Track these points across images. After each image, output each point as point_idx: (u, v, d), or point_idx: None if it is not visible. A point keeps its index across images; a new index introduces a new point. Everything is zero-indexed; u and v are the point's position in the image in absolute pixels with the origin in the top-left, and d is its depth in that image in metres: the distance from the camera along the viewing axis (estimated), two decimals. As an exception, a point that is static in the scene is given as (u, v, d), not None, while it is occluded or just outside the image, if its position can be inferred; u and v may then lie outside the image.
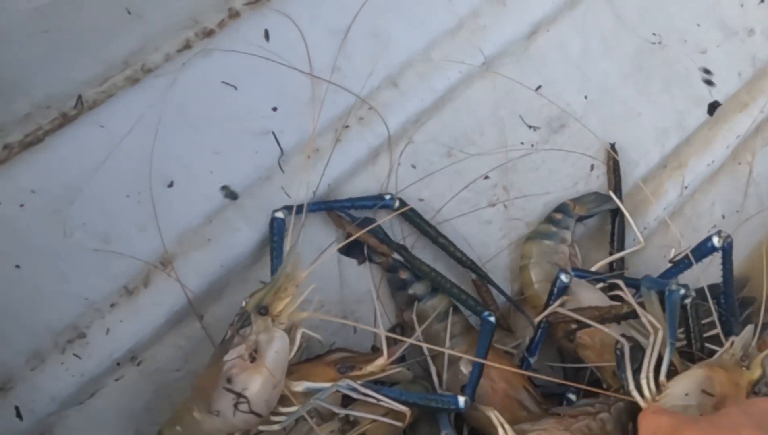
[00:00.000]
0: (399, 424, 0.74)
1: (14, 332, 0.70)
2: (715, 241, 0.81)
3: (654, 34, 1.04)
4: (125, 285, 0.74)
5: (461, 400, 0.72)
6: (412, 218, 0.85)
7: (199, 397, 0.69)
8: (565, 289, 0.84)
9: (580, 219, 0.95)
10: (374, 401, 0.73)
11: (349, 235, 0.80)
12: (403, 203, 0.84)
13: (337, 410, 0.72)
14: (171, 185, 0.76)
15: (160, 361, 0.75)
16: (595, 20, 1.00)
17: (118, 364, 0.73)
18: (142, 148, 0.75)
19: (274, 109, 0.81)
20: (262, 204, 0.80)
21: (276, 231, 0.78)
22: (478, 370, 0.76)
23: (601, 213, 0.97)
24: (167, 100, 0.77)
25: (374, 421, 0.74)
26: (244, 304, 0.70)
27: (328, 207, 0.83)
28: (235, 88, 0.80)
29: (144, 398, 0.75)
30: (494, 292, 0.88)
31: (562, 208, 0.94)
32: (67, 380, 0.71)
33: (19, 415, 0.69)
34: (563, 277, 0.83)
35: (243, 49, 0.81)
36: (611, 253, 0.95)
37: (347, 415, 0.74)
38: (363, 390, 0.71)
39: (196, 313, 0.76)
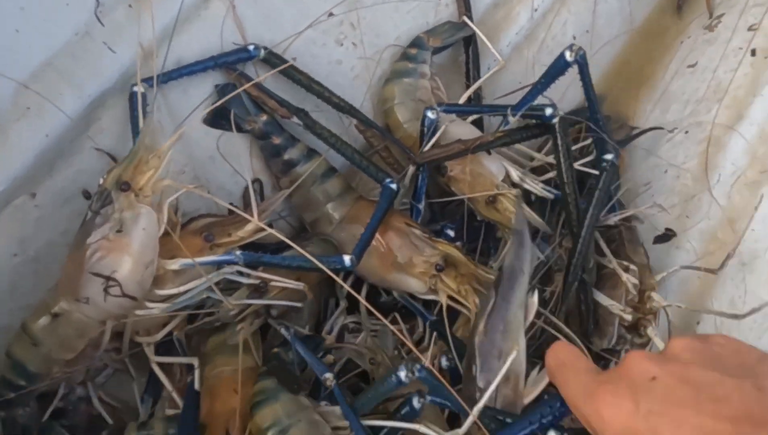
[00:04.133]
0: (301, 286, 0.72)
1: None
2: (567, 55, 0.78)
3: None
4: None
5: (347, 259, 0.70)
6: (285, 70, 0.79)
7: (65, 285, 0.63)
8: (435, 125, 0.81)
9: (436, 51, 0.91)
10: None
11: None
12: (271, 53, 0.79)
13: (250, 281, 0.70)
14: (-31, 51, 0.66)
15: (-8, 248, 0.69)
16: None
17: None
18: None
19: (80, -49, 0.71)
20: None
21: (135, 106, 0.71)
22: (369, 233, 0.73)
23: (455, 42, 0.93)
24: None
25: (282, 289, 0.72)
26: (101, 181, 0.65)
27: (189, 71, 0.76)
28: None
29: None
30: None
31: (416, 42, 0.89)
32: None
33: None
34: (430, 114, 0.80)
35: None
36: (468, 85, 0.92)
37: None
38: (249, 272, 0.70)
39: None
